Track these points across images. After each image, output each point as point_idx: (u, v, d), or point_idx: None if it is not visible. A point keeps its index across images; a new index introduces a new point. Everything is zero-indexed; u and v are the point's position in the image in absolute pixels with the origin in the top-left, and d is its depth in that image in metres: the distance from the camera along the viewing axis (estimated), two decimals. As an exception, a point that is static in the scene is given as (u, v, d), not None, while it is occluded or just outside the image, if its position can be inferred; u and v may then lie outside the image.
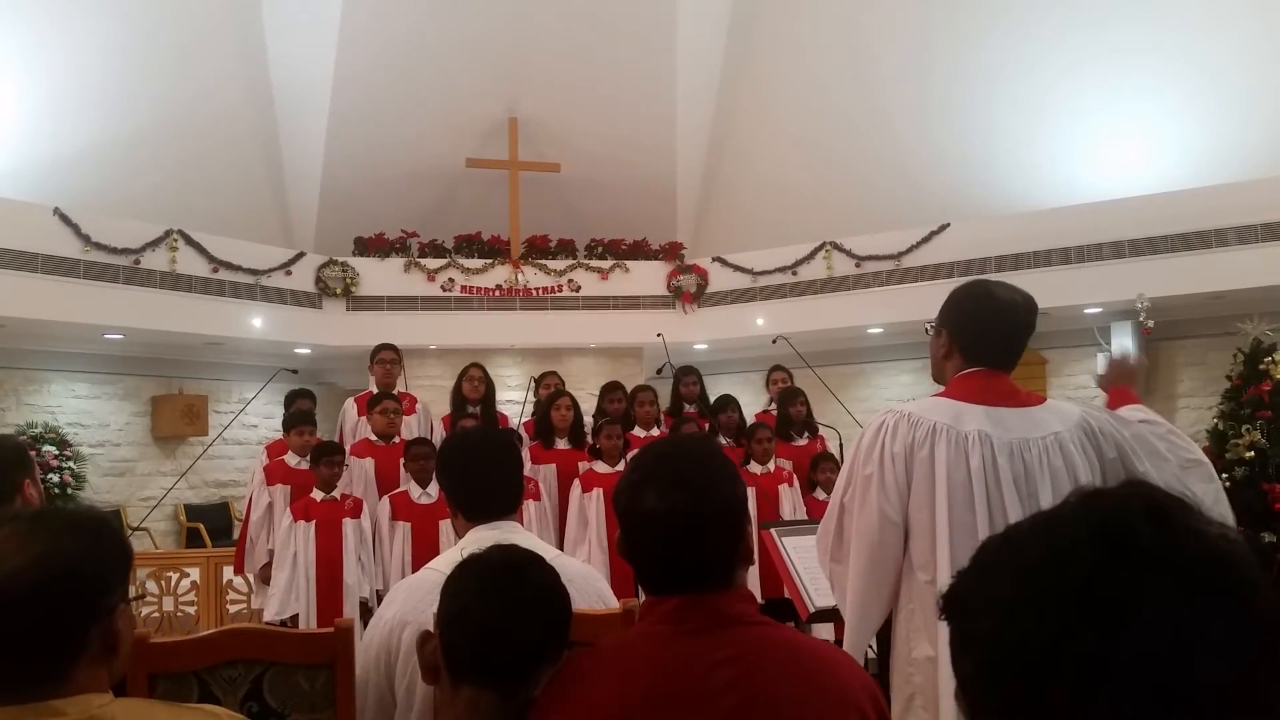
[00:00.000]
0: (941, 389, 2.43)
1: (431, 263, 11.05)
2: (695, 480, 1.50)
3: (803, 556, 3.79)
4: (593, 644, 1.53)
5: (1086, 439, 2.29)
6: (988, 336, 2.37)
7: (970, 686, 0.74)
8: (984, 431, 2.23)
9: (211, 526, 10.74)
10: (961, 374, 2.37)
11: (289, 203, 11.51)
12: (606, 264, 11.42)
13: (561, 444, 6.45)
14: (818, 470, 6.46)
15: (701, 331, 11.37)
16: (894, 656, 2.31)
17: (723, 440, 6.55)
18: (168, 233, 9.43)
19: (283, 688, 2.03)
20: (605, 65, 10.87)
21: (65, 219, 8.72)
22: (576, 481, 6.14)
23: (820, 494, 6.24)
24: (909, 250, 10.23)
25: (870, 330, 10.83)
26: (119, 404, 10.65)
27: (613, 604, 2.09)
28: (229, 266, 9.88)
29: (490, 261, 11.17)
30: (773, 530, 3.93)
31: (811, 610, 3.57)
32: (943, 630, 2.11)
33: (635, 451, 1.70)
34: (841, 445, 7.24)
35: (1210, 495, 2.53)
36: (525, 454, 6.07)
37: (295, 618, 5.41)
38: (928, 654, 2.20)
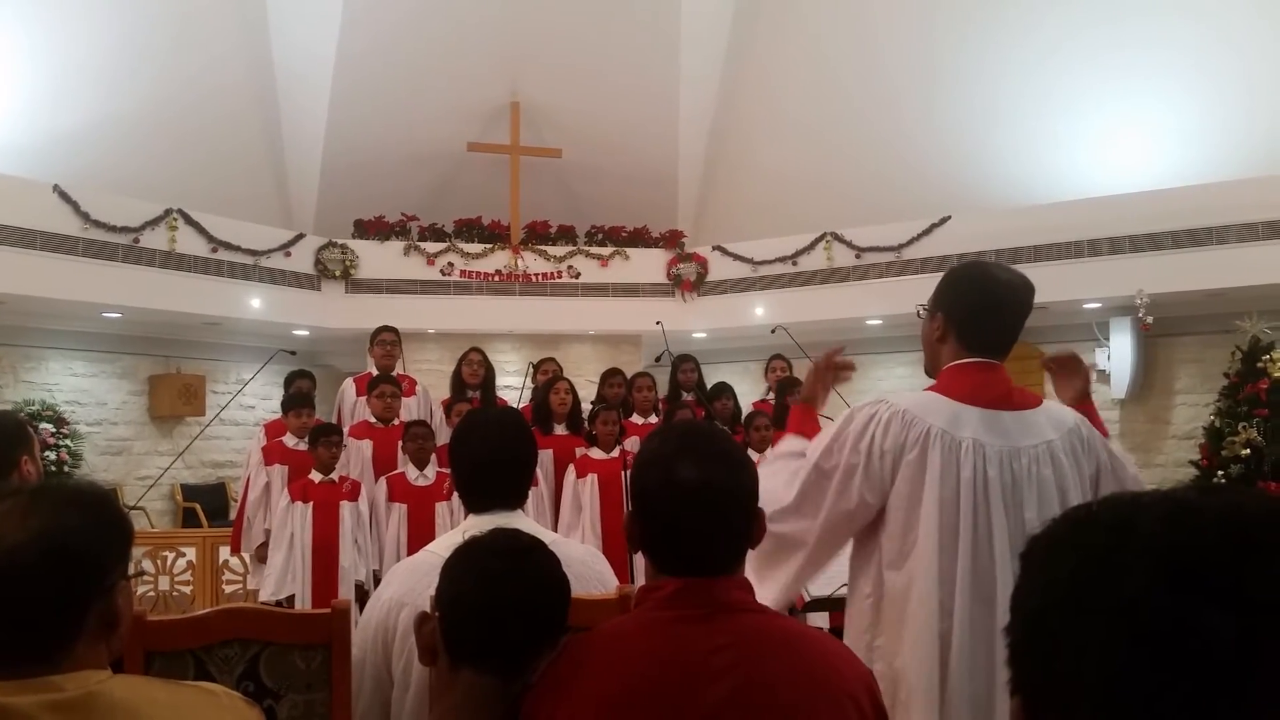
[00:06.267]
0: (932, 381, 2.35)
1: (431, 246, 11.04)
2: (728, 453, 1.53)
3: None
4: (590, 628, 1.53)
5: (1078, 445, 2.25)
6: (987, 319, 2.29)
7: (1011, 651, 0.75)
8: (978, 440, 2.17)
9: (208, 506, 10.75)
10: (956, 364, 2.28)
11: (289, 184, 11.48)
12: (606, 251, 11.41)
13: (559, 429, 6.46)
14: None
15: (700, 320, 11.37)
16: (849, 640, 2.26)
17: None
18: (167, 212, 9.41)
19: (279, 667, 2.03)
20: (608, 51, 10.84)
21: (65, 196, 8.70)
22: (571, 467, 6.16)
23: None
24: (909, 242, 10.23)
25: (869, 322, 10.83)
26: (116, 383, 10.64)
27: (613, 586, 2.09)
28: (228, 247, 9.86)
29: (490, 246, 11.16)
30: (769, 519, 3.94)
31: (807, 599, 3.59)
32: (916, 632, 2.11)
33: (651, 432, 1.70)
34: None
35: None
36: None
37: (291, 598, 5.43)
38: (892, 647, 2.18)
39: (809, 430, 2.46)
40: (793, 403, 2.69)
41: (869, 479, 2.18)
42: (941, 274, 2.45)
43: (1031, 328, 2.37)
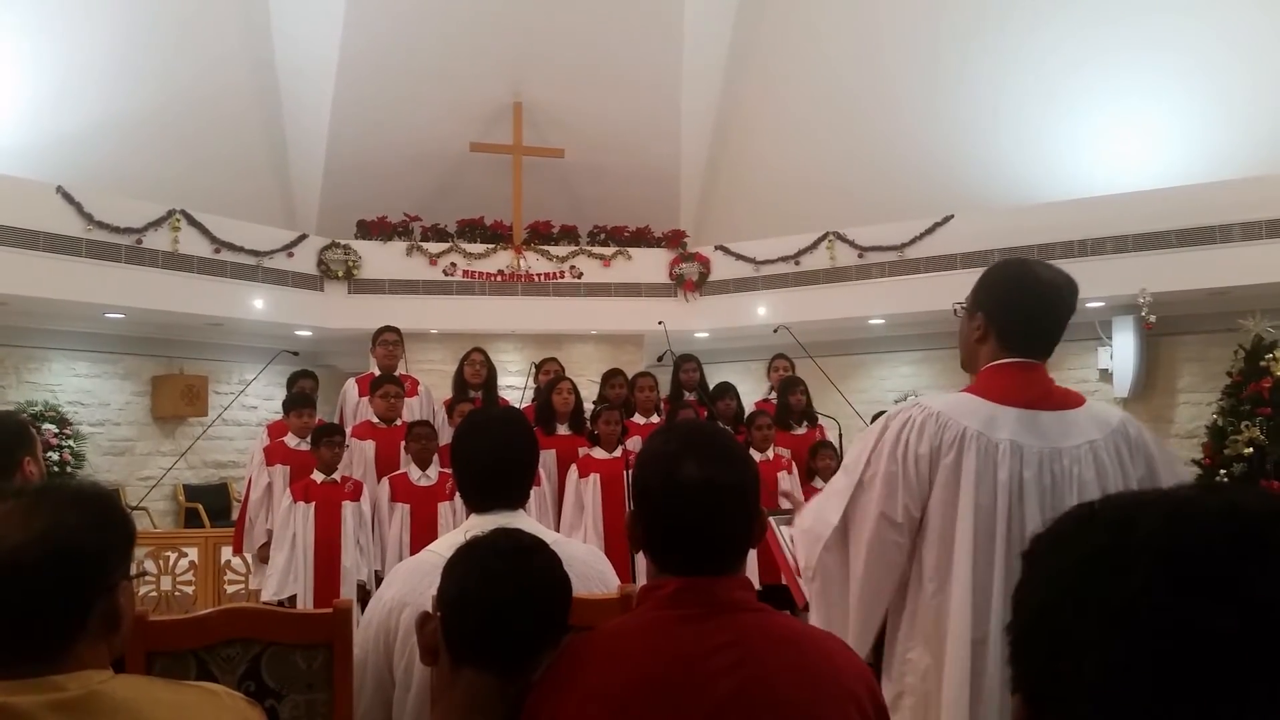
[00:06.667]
0: (968, 382, 2.27)
1: (434, 247, 11.04)
2: (731, 453, 1.53)
3: (801, 545, 3.80)
4: (592, 628, 1.53)
5: (1124, 445, 2.15)
6: (1028, 319, 2.20)
7: (1012, 646, 0.75)
8: (1016, 441, 2.09)
9: (210, 507, 10.76)
10: (995, 364, 2.21)
11: (292, 184, 11.50)
12: (609, 251, 11.41)
13: (562, 429, 6.46)
14: (816, 458, 6.49)
15: (703, 320, 11.37)
16: (890, 651, 2.22)
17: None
18: (170, 212, 9.42)
19: (280, 667, 2.03)
20: (611, 51, 10.84)
21: (68, 197, 8.71)
22: (573, 467, 6.16)
23: (819, 482, 6.25)
24: (912, 241, 10.22)
25: (872, 321, 10.82)
26: (119, 383, 10.66)
27: (614, 586, 2.09)
28: (231, 247, 9.87)
29: (492, 246, 11.16)
30: (771, 519, 3.93)
31: (809, 598, 3.58)
32: (950, 639, 2.07)
33: (653, 431, 1.70)
34: (841, 435, 7.25)
35: None
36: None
37: (293, 598, 5.43)
38: (925, 661, 2.12)
39: None
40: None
41: (908, 486, 2.11)
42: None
43: (1072, 316, 2.30)
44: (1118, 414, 2.23)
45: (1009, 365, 2.19)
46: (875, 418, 2.77)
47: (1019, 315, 2.20)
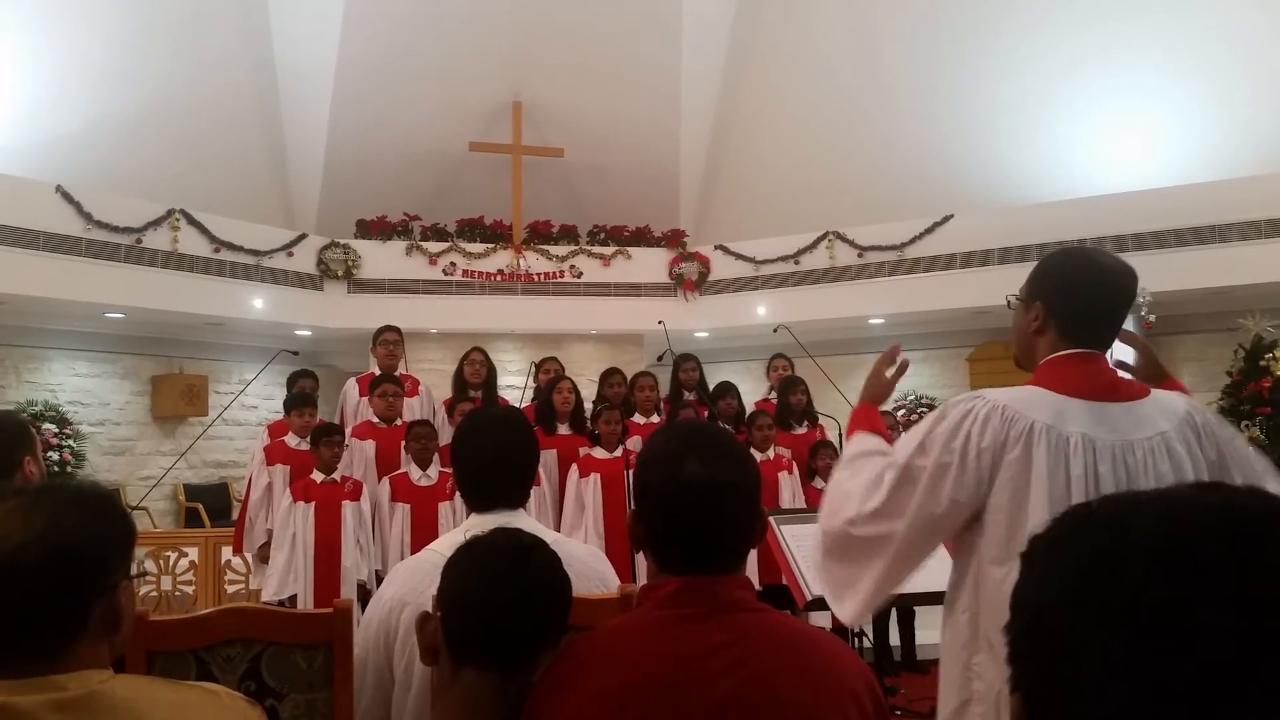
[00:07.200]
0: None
1: (433, 246, 11.05)
2: (733, 452, 1.53)
3: (801, 545, 3.80)
4: (591, 628, 1.53)
5: (1192, 435, 2.09)
6: (1090, 309, 2.13)
7: (1011, 648, 0.75)
8: (1087, 435, 2.01)
9: (210, 506, 10.76)
10: (1056, 356, 2.13)
11: (291, 184, 11.50)
12: (608, 250, 11.41)
13: (563, 429, 6.46)
14: (817, 458, 6.48)
15: (703, 319, 11.38)
16: (946, 657, 2.13)
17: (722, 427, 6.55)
18: (170, 212, 9.43)
19: (281, 667, 2.03)
20: (611, 51, 10.84)
21: (67, 197, 8.71)
22: (574, 466, 6.16)
23: (819, 482, 6.25)
24: (912, 241, 10.23)
25: (872, 320, 10.82)
26: (119, 383, 10.66)
27: (614, 586, 2.09)
28: (230, 247, 9.88)
29: (492, 246, 11.17)
30: (772, 519, 3.94)
31: (809, 598, 3.58)
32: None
33: (655, 430, 1.69)
34: (841, 435, 7.25)
35: None
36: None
37: (294, 598, 5.43)
38: (993, 666, 2.01)
39: (879, 426, 2.34)
40: (858, 402, 2.49)
41: (962, 479, 2.03)
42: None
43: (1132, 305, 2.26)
44: (1182, 402, 2.16)
45: (1072, 356, 2.12)
46: None
47: (1080, 305, 2.13)
